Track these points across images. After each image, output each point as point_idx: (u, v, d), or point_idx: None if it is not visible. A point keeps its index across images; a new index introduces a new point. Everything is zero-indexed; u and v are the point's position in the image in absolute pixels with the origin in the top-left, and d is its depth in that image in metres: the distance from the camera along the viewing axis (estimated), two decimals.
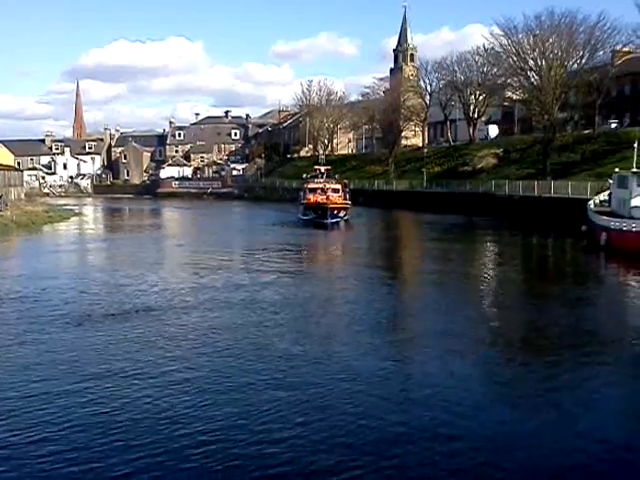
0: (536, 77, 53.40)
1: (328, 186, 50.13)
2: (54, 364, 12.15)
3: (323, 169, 54.36)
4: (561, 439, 8.91)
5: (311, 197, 48.45)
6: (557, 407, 10.20)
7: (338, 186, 50.92)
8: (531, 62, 53.45)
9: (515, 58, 54.96)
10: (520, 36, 54.55)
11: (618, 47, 55.85)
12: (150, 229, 47.69)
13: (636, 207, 29.04)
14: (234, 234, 42.13)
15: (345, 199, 49.59)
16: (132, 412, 9.72)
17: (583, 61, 52.44)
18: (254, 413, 9.67)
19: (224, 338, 14.00)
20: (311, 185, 51.70)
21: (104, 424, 9.27)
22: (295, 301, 18.25)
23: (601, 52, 54.11)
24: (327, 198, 47.17)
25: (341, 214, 47.21)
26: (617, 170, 32.87)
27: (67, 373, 11.63)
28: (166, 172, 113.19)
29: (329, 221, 44.82)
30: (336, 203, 46.98)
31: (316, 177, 53.53)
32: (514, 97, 67.20)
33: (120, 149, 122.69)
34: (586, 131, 55.57)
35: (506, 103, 71.14)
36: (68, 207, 68.53)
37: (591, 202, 34.99)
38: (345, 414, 9.65)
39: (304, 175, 57.58)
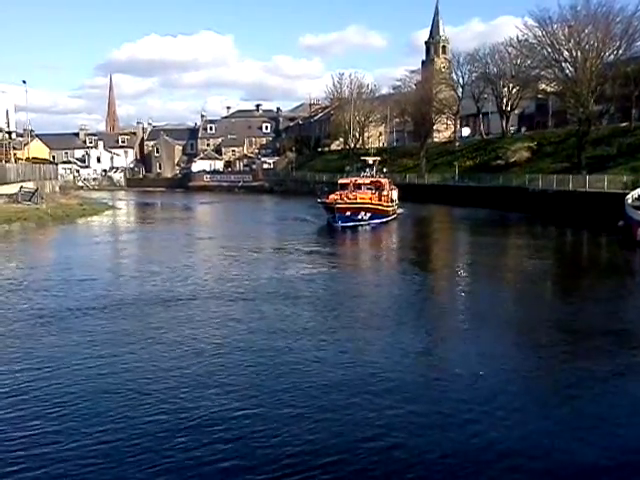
0: (571, 69, 52.42)
1: (360, 181, 43.29)
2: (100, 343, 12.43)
3: (371, 160, 47.05)
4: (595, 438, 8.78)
5: (329, 196, 40.33)
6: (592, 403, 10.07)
7: (368, 181, 43.72)
8: (566, 53, 52.46)
9: (549, 49, 53.99)
10: (555, 27, 53.59)
11: None
12: (181, 223, 48.06)
13: None
14: (248, 234, 38.06)
15: (379, 199, 41.91)
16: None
17: (620, 52, 51.24)
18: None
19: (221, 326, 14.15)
20: (342, 180, 45.03)
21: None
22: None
23: (639, 42, 52.89)
24: (341, 197, 39.27)
25: (362, 216, 39.29)
26: None
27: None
28: (198, 165, 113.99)
29: (339, 224, 37.59)
30: (348, 202, 38.77)
31: (363, 170, 46.61)
32: (548, 89, 66.04)
33: (152, 142, 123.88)
34: (622, 124, 54.52)
35: (540, 95, 70.06)
36: (102, 200, 69.42)
37: (629, 197, 34.32)
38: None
39: (346, 167, 51.25)
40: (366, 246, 34.23)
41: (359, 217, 39.16)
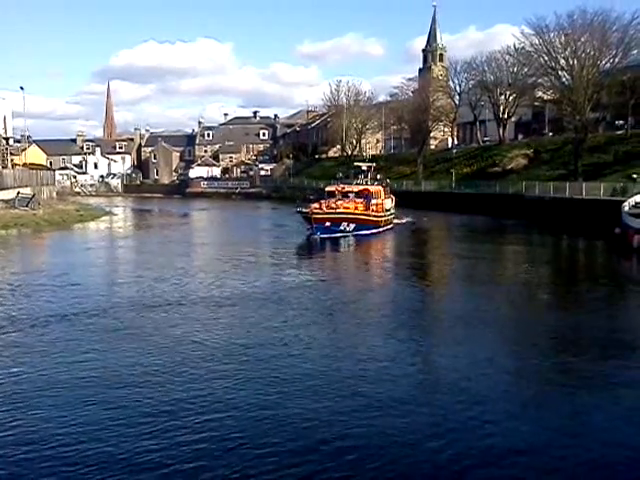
0: (567, 77, 52.71)
1: (348, 189, 39.94)
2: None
3: (365, 166, 44.39)
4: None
5: (312, 205, 36.66)
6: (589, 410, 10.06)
7: (356, 189, 40.11)
8: (562, 61, 52.74)
9: (546, 57, 54.30)
10: (551, 35, 53.99)
11: None
12: (177, 230, 47.90)
13: None
14: (230, 244, 35.71)
15: (367, 208, 38.20)
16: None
17: (616, 60, 51.51)
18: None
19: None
20: (329, 188, 41.58)
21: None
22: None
23: (635, 51, 53.14)
24: (321, 206, 36.17)
25: (345, 227, 36.13)
26: None
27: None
28: (195, 172, 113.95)
29: (318, 236, 34.51)
30: (327, 212, 35.67)
31: (356, 176, 44.22)
32: (545, 97, 66.40)
33: (150, 149, 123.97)
34: (619, 132, 54.76)
35: (537, 103, 70.38)
36: (99, 206, 69.35)
37: (625, 204, 34.36)
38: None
39: (339, 174, 47.85)
40: (334, 260, 30.44)
41: (341, 228, 36.04)
